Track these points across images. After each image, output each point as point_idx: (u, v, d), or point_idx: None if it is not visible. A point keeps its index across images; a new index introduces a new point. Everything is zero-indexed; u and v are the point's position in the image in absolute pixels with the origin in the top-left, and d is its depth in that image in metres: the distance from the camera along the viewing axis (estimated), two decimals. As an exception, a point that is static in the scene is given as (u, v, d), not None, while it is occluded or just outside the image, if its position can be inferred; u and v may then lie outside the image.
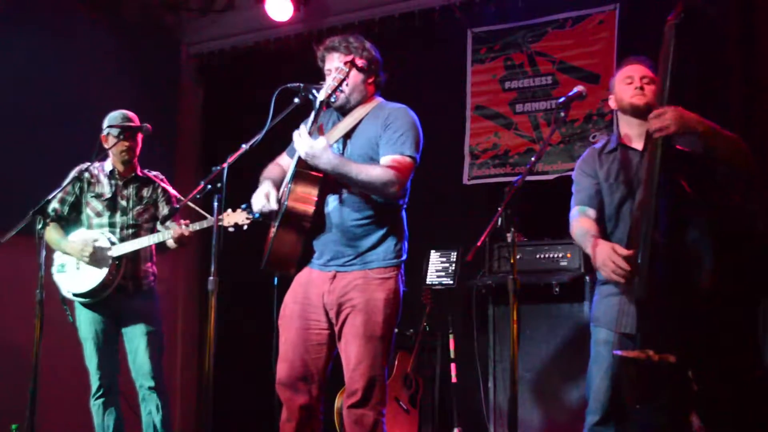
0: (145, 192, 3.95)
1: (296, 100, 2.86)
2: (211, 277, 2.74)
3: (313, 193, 2.86)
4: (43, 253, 3.32)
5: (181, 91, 6.06)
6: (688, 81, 4.00)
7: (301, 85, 2.88)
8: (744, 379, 2.71)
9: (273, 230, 2.94)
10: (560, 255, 4.23)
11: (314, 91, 2.86)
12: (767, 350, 3.14)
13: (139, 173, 3.97)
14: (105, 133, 3.86)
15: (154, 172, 4.03)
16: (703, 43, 4.11)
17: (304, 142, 2.78)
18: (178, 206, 3.80)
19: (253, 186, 3.09)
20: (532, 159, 2.75)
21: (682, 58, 2.70)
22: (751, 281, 2.79)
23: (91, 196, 3.89)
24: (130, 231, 3.87)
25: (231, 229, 3.58)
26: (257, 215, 3.52)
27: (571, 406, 3.97)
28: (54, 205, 3.85)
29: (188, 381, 5.91)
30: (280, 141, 3.15)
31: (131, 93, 5.34)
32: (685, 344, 2.56)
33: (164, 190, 3.98)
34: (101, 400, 3.80)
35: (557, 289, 4.07)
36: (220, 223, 3.56)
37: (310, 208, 2.86)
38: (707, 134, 2.68)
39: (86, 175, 3.90)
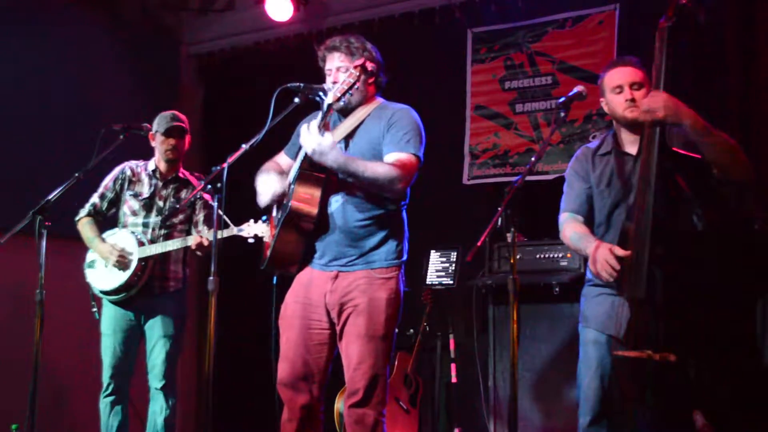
0: (184, 193, 3.94)
1: (296, 100, 2.86)
2: (211, 277, 2.74)
3: (316, 194, 2.86)
4: (43, 253, 3.32)
5: (181, 91, 6.05)
6: (685, 81, 4.01)
7: (301, 85, 2.87)
8: (745, 377, 2.71)
9: (274, 230, 2.95)
10: (560, 255, 4.23)
11: (321, 93, 2.85)
12: (767, 348, 3.14)
13: (180, 174, 3.98)
14: (153, 131, 3.91)
15: (196, 174, 4.05)
16: (700, 44, 4.11)
17: (312, 138, 2.77)
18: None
19: (253, 186, 3.09)
20: (532, 159, 2.75)
21: (677, 61, 2.70)
22: (749, 280, 2.80)
23: (130, 195, 3.91)
24: (163, 232, 3.87)
25: (251, 240, 3.58)
26: None
27: (571, 406, 3.96)
28: (94, 199, 3.92)
29: (188, 381, 5.91)
30: (280, 141, 3.15)
31: (131, 93, 5.35)
32: (685, 343, 2.56)
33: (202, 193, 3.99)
34: (110, 398, 3.80)
35: (557, 289, 4.07)
36: (240, 233, 3.59)
37: (314, 209, 2.86)
38: (696, 130, 2.66)
39: (128, 172, 3.94)
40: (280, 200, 3.04)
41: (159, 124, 3.91)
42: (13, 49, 4.76)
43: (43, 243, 3.32)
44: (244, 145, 2.80)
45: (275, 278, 3.09)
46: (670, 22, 2.71)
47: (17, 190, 4.23)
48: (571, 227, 2.93)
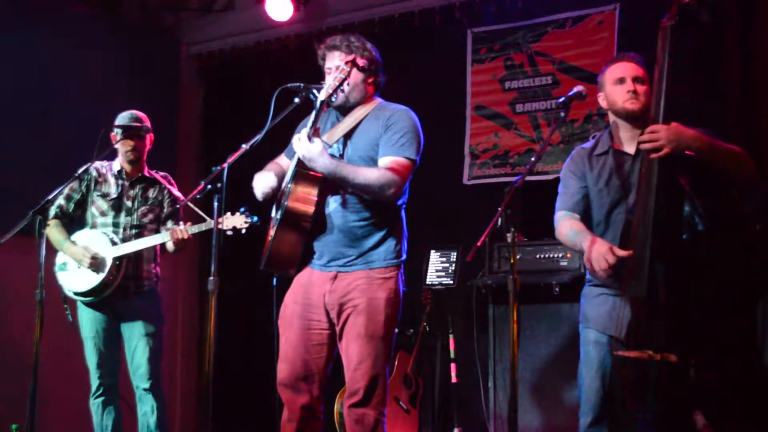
0: (151, 193, 3.95)
1: (296, 100, 2.86)
2: (211, 277, 2.74)
3: (312, 193, 2.86)
4: (43, 253, 3.32)
5: (181, 91, 6.06)
6: (685, 81, 4.00)
7: (301, 85, 2.88)
8: (745, 378, 2.70)
9: (272, 230, 2.94)
10: (560, 255, 4.23)
11: (315, 91, 2.86)
12: (767, 349, 3.14)
13: (146, 174, 3.97)
14: (113, 132, 3.89)
15: (162, 173, 4.04)
16: (700, 43, 4.11)
17: (302, 145, 2.79)
18: (179, 206, 3.82)
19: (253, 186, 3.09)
20: (532, 159, 2.75)
21: (679, 60, 2.70)
22: (750, 280, 2.79)
23: (97, 195, 3.90)
24: (134, 231, 3.87)
25: (229, 233, 3.57)
26: (256, 219, 3.52)
27: (571, 406, 3.96)
28: (60, 201, 3.87)
29: (188, 381, 5.91)
30: (280, 141, 3.15)
31: (131, 93, 5.34)
32: (686, 344, 2.56)
33: (170, 192, 3.99)
34: (100, 399, 3.81)
35: (557, 289, 4.07)
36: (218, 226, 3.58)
37: (310, 208, 2.86)
38: (704, 150, 2.66)
39: (94, 173, 3.92)
40: (278, 198, 3.04)
41: (117, 125, 3.89)
42: (13, 48, 4.76)
43: (43, 243, 3.31)
44: (244, 145, 2.80)
45: (275, 279, 3.09)
46: (673, 21, 2.70)
47: (17, 190, 4.23)
48: (567, 224, 2.91)
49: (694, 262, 2.59)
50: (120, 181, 3.92)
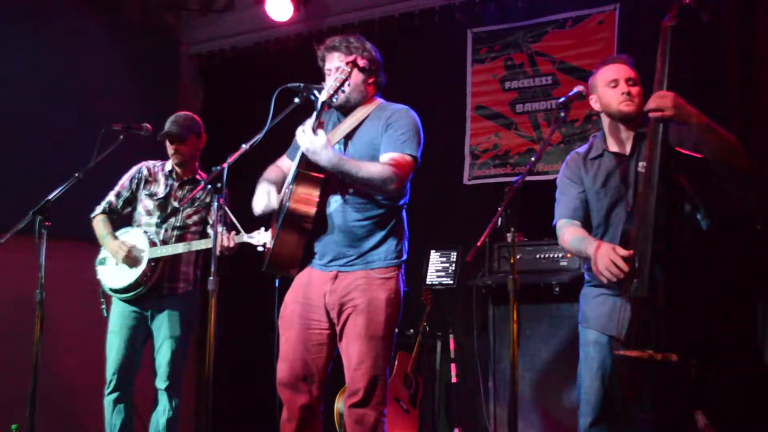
0: (199, 194, 3.92)
1: (296, 100, 2.86)
2: (211, 277, 2.74)
3: (314, 194, 2.86)
4: (44, 253, 3.32)
5: (181, 91, 6.05)
6: (685, 83, 4.01)
7: (302, 85, 2.87)
8: (746, 377, 2.71)
9: (274, 232, 2.94)
10: (560, 255, 4.23)
11: (315, 92, 2.86)
12: (767, 348, 3.14)
13: (198, 176, 3.98)
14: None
15: None
16: (700, 43, 4.11)
17: (306, 138, 2.79)
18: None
19: (254, 186, 3.09)
20: (532, 159, 2.75)
21: (679, 60, 2.70)
22: (751, 280, 2.79)
23: (145, 194, 3.92)
24: (176, 233, 3.88)
25: (260, 248, 3.56)
26: None
27: (571, 406, 3.97)
28: (110, 198, 3.94)
29: (188, 381, 5.90)
30: (280, 141, 3.15)
31: (131, 93, 5.35)
32: (687, 343, 2.56)
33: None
34: (113, 396, 3.80)
35: (557, 289, 4.07)
36: (249, 241, 3.57)
37: (312, 210, 2.86)
38: (701, 127, 2.67)
39: (144, 172, 3.96)
40: (279, 200, 3.04)
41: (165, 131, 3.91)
42: (12, 49, 4.76)
43: (43, 243, 3.31)
44: (244, 145, 2.80)
45: (277, 280, 3.09)
46: (673, 21, 2.70)
47: (17, 190, 4.23)
48: (569, 232, 2.92)
49: (694, 262, 2.59)
50: (170, 182, 3.94)
